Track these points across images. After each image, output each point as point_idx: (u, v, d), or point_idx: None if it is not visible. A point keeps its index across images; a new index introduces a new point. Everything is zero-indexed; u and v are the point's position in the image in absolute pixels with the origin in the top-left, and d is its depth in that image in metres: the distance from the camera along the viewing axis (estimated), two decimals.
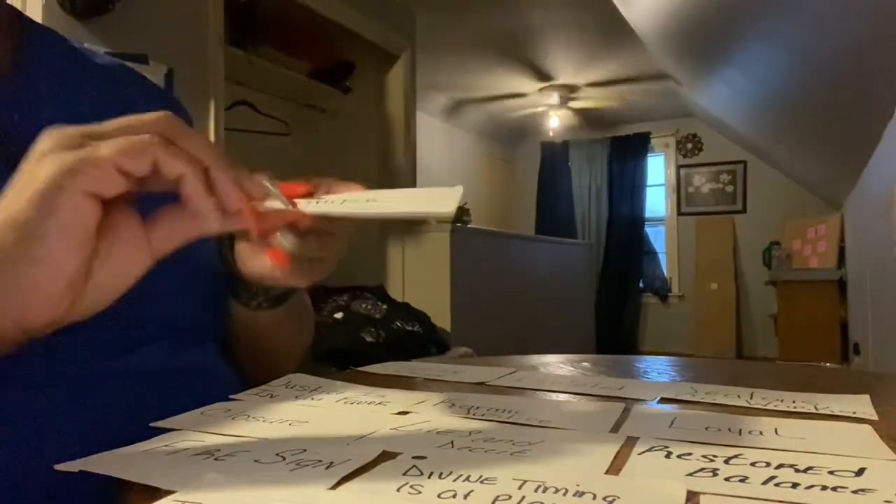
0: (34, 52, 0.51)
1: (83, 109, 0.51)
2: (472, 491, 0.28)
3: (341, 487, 0.29)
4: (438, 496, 0.28)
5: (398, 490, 0.29)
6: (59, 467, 0.31)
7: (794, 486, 0.29)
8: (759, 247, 5.31)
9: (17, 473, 0.39)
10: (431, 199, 0.40)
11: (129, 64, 0.61)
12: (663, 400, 0.49)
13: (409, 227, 2.80)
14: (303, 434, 0.38)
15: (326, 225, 0.43)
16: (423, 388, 0.54)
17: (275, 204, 0.38)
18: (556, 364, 0.68)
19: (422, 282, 2.82)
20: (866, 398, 0.48)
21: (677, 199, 5.92)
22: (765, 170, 5.50)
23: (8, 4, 0.51)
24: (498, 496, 0.28)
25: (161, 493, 0.28)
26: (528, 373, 0.62)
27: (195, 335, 0.53)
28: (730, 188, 5.70)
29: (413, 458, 0.33)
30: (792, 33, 2.59)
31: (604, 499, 0.27)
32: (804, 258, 4.72)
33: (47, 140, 0.33)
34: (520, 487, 0.29)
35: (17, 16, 0.52)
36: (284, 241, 0.43)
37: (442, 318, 2.66)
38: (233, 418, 0.41)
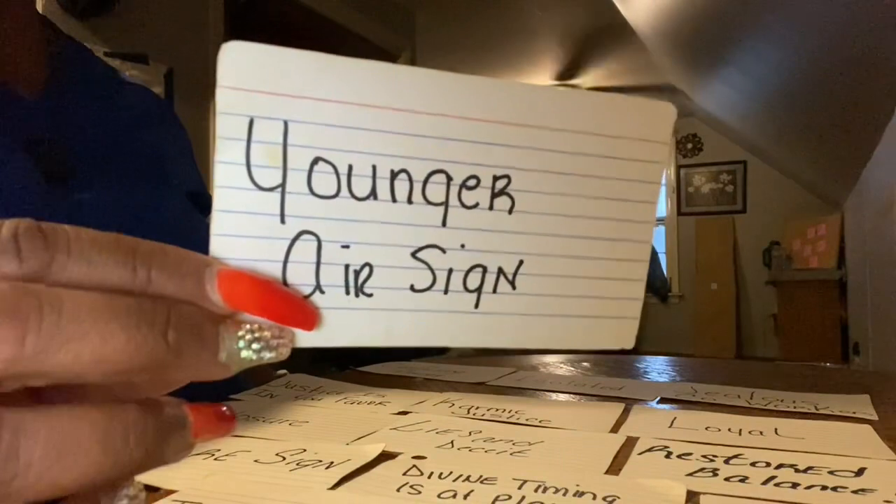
0: (62, 66, 0.51)
1: (107, 124, 0.52)
2: (472, 491, 0.28)
3: (341, 487, 0.29)
4: (438, 496, 0.28)
5: (398, 490, 0.29)
6: None
7: (794, 486, 0.29)
8: (759, 247, 5.31)
9: None
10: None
11: (129, 64, 0.61)
12: (663, 400, 0.49)
13: None
14: (303, 434, 0.38)
15: None
16: (423, 388, 0.54)
17: None
18: (556, 364, 0.68)
19: None
20: (866, 398, 0.48)
21: (677, 199, 5.92)
22: (765, 170, 5.50)
23: (39, 14, 0.51)
24: (498, 496, 0.28)
25: (161, 492, 0.28)
26: (528, 373, 0.62)
27: None
28: (730, 188, 5.69)
29: (413, 458, 0.33)
30: (792, 33, 2.59)
31: (604, 499, 0.27)
32: (804, 258, 4.72)
33: None
34: (520, 487, 0.29)
35: (45, 25, 0.52)
36: None
37: None
38: None
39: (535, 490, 0.28)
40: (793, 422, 0.42)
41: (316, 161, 0.23)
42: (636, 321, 0.28)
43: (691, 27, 3.19)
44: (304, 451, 0.34)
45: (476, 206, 0.25)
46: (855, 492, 0.29)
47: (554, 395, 0.51)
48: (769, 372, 0.69)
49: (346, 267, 0.23)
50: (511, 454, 0.34)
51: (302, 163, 0.22)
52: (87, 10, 1.68)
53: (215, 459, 0.33)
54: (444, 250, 0.24)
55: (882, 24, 2.00)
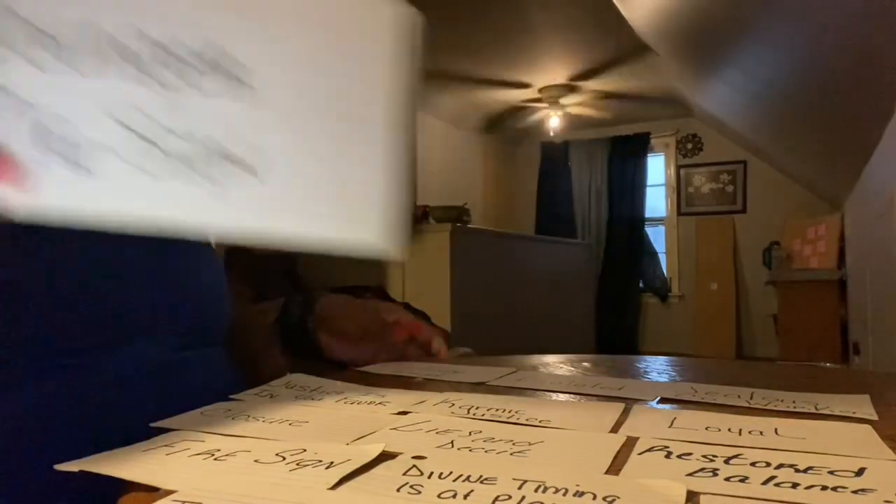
0: None
1: None
2: (472, 491, 0.28)
3: (341, 487, 0.29)
4: (438, 496, 0.28)
5: (398, 490, 0.29)
6: (59, 467, 0.31)
7: (794, 486, 0.29)
8: (759, 247, 5.31)
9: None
10: None
11: None
12: (663, 400, 0.49)
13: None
14: (303, 434, 0.38)
15: None
16: (423, 388, 0.54)
17: None
18: (556, 364, 0.68)
19: (422, 281, 2.81)
20: (866, 398, 0.48)
21: (677, 199, 5.92)
22: (765, 170, 5.50)
23: None
24: (498, 496, 0.28)
25: (161, 493, 0.28)
26: (528, 373, 0.61)
27: (195, 335, 0.53)
28: (730, 188, 5.70)
29: (413, 458, 0.33)
30: (792, 33, 2.59)
31: (604, 499, 0.27)
32: (804, 258, 4.72)
33: None
34: (520, 487, 0.29)
35: None
36: None
37: (442, 318, 2.66)
38: (233, 418, 0.41)
39: (535, 490, 0.28)
40: (793, 422, 0.41)
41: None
42: (402, 229, 0.28)
43: (691, 27, 3.19)
44: (304, 451, 0.34)
45: (213, 93, 0.23)
46: (855, 492, 0.29)
47: (554, 395, 0.51)
48: (769, 372, 0.69)
49: (62, 139, 0.21)
50: (511, 454, 0.34)
51: None
52: None
53: (215, 459, 0.33)
54: (180, 136, 0.23)
55: (882, 23, 2.00)
